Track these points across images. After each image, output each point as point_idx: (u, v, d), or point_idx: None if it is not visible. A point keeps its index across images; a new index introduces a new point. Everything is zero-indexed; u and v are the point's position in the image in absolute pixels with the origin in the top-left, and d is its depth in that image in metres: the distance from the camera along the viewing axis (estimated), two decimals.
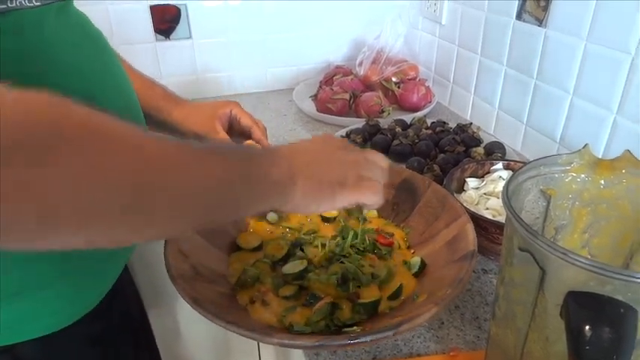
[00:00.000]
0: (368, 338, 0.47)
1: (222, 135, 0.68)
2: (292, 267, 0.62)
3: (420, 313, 0.50)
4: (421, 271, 0.64)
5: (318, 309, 0.56)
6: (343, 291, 0.60)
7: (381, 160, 0.54)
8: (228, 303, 0.58)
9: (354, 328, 0.55)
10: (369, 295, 0.60)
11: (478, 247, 0.60)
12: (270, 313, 0.57)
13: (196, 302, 0.50)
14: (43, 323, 0.54)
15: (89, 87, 0.52)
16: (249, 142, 0.70)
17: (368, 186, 0.50)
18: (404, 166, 0.91)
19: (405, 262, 0.66)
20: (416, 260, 0.65)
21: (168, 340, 0.96)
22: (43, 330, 0.54)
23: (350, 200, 0.49)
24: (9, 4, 0.43)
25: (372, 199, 0.50)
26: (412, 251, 0.69)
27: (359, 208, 0.59)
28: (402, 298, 0.61)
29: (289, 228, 0.72)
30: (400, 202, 0.74)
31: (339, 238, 0.69)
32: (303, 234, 0.70)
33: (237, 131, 0.70)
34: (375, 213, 0.75)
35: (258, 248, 0.68)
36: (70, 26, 0.52)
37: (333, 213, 0.74)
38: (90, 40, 0.56)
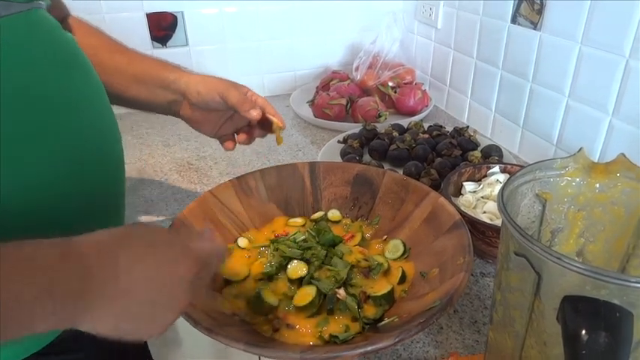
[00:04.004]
0: (436, 311, 0.48)
1: (237, 96, 0.66)
2: (294, 270, 0.62)
3: (456, 282, 0.52)
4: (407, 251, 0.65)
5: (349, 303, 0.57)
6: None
7: (213, 249, 0.46)
8: (258, 338, 0.54)
9: (391, 319, 0.55)
10: (381, 286, 0.60)
11: (476, 250, 0.60)
12: (303, 335, 0.55)
13: (250, 345, 0.46)
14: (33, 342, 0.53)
15: (57, 101, 0.49)
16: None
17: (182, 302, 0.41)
18: (401, 171, 0.91)
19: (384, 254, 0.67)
20: (396, 243, 0.66)
21: (166, 350, 0.96)
22: (38, 346, 0.53)
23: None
24: None
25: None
26: (384, 237, 0.70)
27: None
28: (410, 280, 0.62)
29: (262, 247, 0.69)
30: (359, 195, 0.75)
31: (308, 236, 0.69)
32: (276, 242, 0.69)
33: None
34: (337, 213, 0.75)
35: (248, 275, 0.65)
36: (34, 38, 0.48)
37: (298, 222, 0.73)
38: (61, 52, 0.52)
